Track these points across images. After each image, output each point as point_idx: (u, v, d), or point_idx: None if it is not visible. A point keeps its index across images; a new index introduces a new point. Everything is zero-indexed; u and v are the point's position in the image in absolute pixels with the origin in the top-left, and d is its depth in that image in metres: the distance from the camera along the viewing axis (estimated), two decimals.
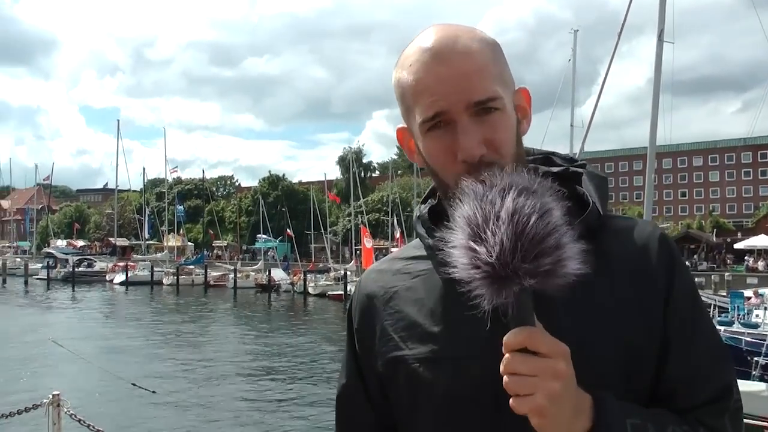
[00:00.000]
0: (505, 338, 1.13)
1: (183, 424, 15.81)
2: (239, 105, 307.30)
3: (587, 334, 1.26)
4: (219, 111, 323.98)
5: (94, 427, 5.38)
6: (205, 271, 67.65)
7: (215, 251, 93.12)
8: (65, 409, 5.09)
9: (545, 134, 44.97)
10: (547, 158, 1.50)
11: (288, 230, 78.10)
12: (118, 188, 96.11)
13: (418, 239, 1.51)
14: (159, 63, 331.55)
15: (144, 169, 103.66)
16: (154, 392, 13.64)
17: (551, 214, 1.12)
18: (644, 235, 1.37)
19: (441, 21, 1.42)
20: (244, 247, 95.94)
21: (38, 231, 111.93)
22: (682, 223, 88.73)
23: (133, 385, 10.60)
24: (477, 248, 1.10)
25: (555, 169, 1.43)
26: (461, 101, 1.30)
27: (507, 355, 1.13)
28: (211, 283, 65.37)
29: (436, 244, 1.31)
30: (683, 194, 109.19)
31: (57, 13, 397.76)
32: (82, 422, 5.31)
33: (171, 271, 69.16)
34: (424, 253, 1.47)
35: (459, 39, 1.34)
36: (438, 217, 1.43)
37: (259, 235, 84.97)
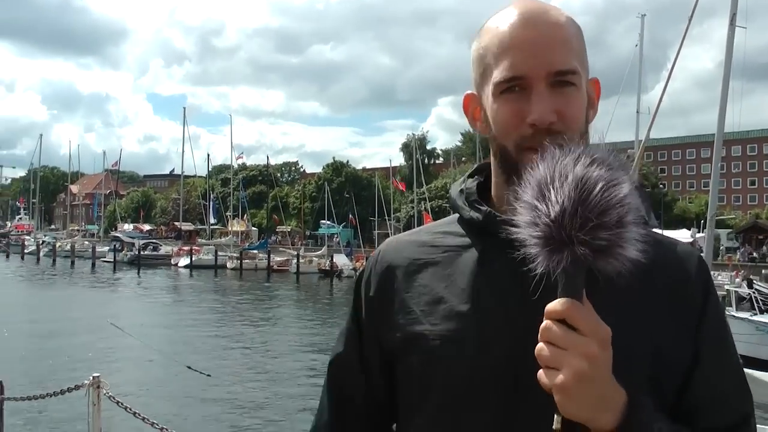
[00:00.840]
0: (549, 305, 1.13)
1: (234, 409, 15.44)
2: (304, 92, 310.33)
3: (624, 332, 1.19)
4: (284, 98, 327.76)
5: (131, 410, 5.31)
6: (269, 256, 67.99)
7: (279, 236, 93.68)
8: (104, 391, 5.08)
9: (610, 121, 43.98)
10: None
11: (351, 216, 78.36)
12: (184, 174, 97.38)
13: (452, 216, 1.48)
14: (225, 51, 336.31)
15: (209, 155, 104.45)
16: (209, 376, 13.42)
17: (619, 188, 1.11)
18: (685, 252, 1.38)
19: (505, 2, 1.40)
20: (308, 233, 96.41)
21: (106, 215, 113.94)
22: (750, 213, 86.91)
23: (188, 368, 10.32)
24: (539, 206, 1.12)
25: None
26: (542, 68, 1.29)
27: (546, 321, 1.13)
28: (275, 267, 65.68)
29: (483, 219, 1.36)
30: (752, 183, 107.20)
31: (126, 3, 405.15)
32: (120, 404, 5.25)
33: (235, 255, 69.82)
34: (458, 229, 1.44)
35: (549, 10, 1.35)
36: (483, 195, 1.43)
37: (323, 221, 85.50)
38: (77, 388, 5.22)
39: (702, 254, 1.48)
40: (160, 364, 17.68)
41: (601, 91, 1.45)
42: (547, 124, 1.27)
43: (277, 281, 57.71)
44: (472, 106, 1.45)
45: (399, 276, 1.42)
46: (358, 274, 1.55)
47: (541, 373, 1.12)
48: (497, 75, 1.32)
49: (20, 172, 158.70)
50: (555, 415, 1.12)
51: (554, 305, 1.11)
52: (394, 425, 1.49)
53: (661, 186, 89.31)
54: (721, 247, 64.39)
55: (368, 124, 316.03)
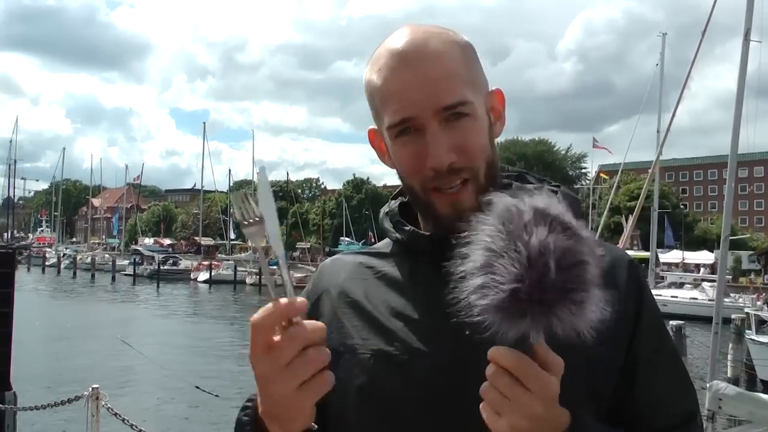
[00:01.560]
0: (495, 351, 1.08)
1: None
2: (327, 108, 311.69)
3: (557, 348, 1.11)
4: (306, 114, 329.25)
5: (128, 422, 5.35)
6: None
7: (298, 252, 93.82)
8: (103, 403, 5.13)
9: (631, 140, 43.80)
10: (521, 176, 1.47)
11: (370, 233, 78.39)
12: (205, 189, 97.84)
13: (386, 239, 1.49)
14: (248, 66, 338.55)
15: (230, 170, 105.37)
16: (216, 396, 13.32)
17: (587, 265, 1.04)
18: (615, 259, 1.35)
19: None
20: (327, 249, 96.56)
21: (127, 229, 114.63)
22: None
23: (197, 387, 10.27)
24: (488, 276, 1.04)
25: (530, 186, 1.35)
26: (430, 107, 1.27)
27: (494, 368, 1.08)
28: (294, 284, 65.59)
29: (407, 239, 1.38)
30: None
31: (151, 19, 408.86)
32: (117, 416, 5.32)
33: (254, 271, 69.83)
34: (387, 251, 1.46)
35: (428, 42, 1.31)
36: (407, 215, 1.45)
37: (342, 238, 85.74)
38: (77, 399, 5.27)
39: (630, 258, 1.39)
40: (167, 382, 17.62)
41: (505, 99, 1.42)
42: (447, 165, 1.27)
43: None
44: (377, 141, 1.45)
45: (334, 293, 1.44)
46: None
47: (484, 406, 1.09)
48: (388, 120, 1.32)
49: (43, 185, 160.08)
50: None
51: (502, 355, 1.06)
52: None
53: (682, 206, 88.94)
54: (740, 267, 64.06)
55: None
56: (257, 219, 1.20)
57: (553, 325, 1.03)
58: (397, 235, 1.42)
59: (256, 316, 1.10)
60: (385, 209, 1.51)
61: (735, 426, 12.14)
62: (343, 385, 1.29)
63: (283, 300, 1.10)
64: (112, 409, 5.17)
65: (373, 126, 1.44)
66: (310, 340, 1.09)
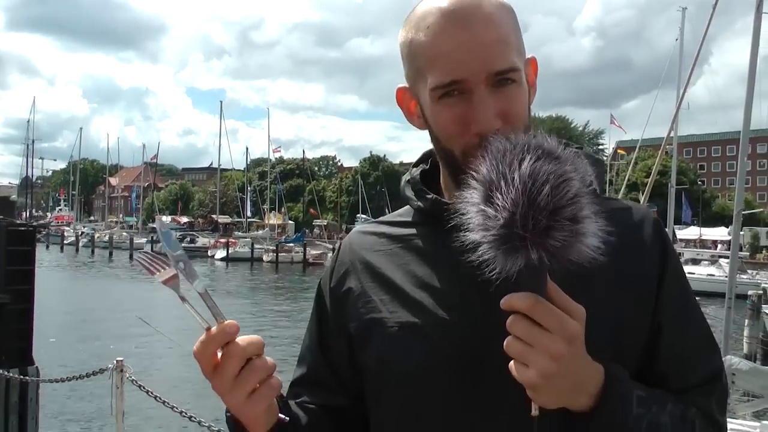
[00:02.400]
0: (509, 299, 1.10)
1: None
2: (344, 86, 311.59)
3: (585, 303, 1.14)
4: (323, 92, 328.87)
5: (152, 393, 5.45)
6: (304, 250, 68.08)
7: (315, 230, 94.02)
8: (127, 375, 5.24)
9: (649, 116, 43.59)
10: None
11: (387, 210, 78.49)
12: (221, 167, 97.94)
13: (407, 206, 1.49)
14: (265, 45, 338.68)
15: (247, 148, 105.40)
16: None
17: (569, 184, 1.07)
18: (639, 217, 1.38)
19: None
20: (344, 227, 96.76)
21: (144, 207, 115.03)
22: None
23: None
24: (488, 210, 1.07)
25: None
26: (482, 71, 1.25)
27: (512, 316, 1.10)
28: (310, 261, 65.67)
29: (429, 207, 1.38)
30: None
31: None
32: (142, 388, 5.41)
33: (271, 248, 70.07)
34: (409, 219, 1.46)
35: (481, 4, 1.28)
36: (429, 183, 1.45)
37: (359, 215, 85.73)
38: (101, 371, 5.42)
39: (655, 216, 1.42)
40: (185, 359, 17.76)
41: (538, 68, 1.42)
42: (493, 131, 1.24)
43: (313, 274, 57.85)
44: (406, 101, 1.44)
45: (359, 267, 1.44)
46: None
47: (512, 365, 1.12)
48: (433, 80, 1.29)
49: (61, 165, 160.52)
50: (532, 405, 1.14)
51: (515, 300, 1.09)
52: None
53: (700, 183, 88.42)
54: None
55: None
56: (172, 272, 1.30)
57: (554, 248, 1.05)
58: (420, 203, 1.42)
59: (195, 347, 1.22)
60: (406, 177, 1.50)
61: (749, 400, 12.19)
62: (376, 360, 1.36)
63: (214, 328, 1.21)
64: (136, 381, 5.31)
65: (403, 85, 1.44)
66: (249, 353, 1.20)
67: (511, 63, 1.28)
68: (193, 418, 5.16)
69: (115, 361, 5.10)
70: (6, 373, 7.63)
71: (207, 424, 5.13)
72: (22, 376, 8.60)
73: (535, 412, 1.14)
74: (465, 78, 1.26)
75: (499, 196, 1.05)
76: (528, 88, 1.35)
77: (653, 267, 1.33)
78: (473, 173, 1.11)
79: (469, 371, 1.26)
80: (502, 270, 1.07)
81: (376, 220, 1.58)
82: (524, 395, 1.13)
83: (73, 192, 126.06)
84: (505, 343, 1.11)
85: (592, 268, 1.12)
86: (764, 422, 11.57)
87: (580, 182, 1.08)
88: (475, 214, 1.09)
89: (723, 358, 8.15)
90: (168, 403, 5.30)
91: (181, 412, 5.16)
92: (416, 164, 1.54)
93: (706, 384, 1.33)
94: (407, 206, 1.50)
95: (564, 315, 1.09)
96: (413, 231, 1.43)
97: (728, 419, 7.96)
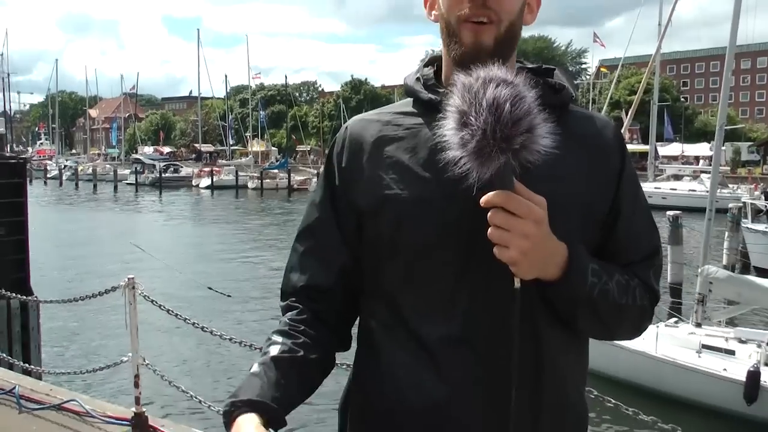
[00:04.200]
0: (487, 197, 1.40)
1: (253, 328, 15.63)
2: (323, 9, 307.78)
3: (558, 195, 1.49)
4: (302, 15, 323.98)
5: (164, 307, 5.71)
6: (289, 175, 68.15)
7: (299, 155, 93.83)
8: (139, 291, 5.43)
9: (632, 33, 43.51)
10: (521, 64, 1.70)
11: None
12: (202, 96, 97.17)
13: (405, 100, 1.72)
14: None
15: (226, 76, 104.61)
16: (229, 296, 13.69)
17: (524, 101, 1.36)
18: (602, 123, 1.69)
19: None
20: (327, 152, 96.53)
21: (126, 138, 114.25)
22: None
23: (209, 288, 10.59)
24: (464, 131, 1.37)
25: (530, 65, 1.68)
26: None
27: (491, 210, 1.40)
28: (295, 186, 65.80)
29: (441, 99, 1.53)
30: None
31: None
32: (154, 303, 5.67)
33: (255, 175, 70.06)
34: (413, 110, 1.67)
35: None
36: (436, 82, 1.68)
37: None
38: (114, 289, 5.63)
39: (614, 123, 1.78)
40: (181, 284, 18.07)
41: (541, 4, 1.70)
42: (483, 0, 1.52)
43: (298, 200, 57.93)
44: (430, 1, 1.70)
45: (367, 149, 1.65)
46: (328, 150, 1.75)
47: (495, 249, 1.41)
48: None
49: (38, 98, 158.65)
50: (514, 278, 1.44)
51: (492, 197, 1.39)
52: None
53: (683, 99, 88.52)
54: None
55: (387, 41, 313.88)
56: None
57: (517, 152, 1.36)
58: (431, 95, 1.62)
59: None
60: (415, 74, 1.71)
61: (725, 307, 12.65)
62: (391, 230, 1.58)
63: None
64: (148, 297, 5.55)
65: None
66: None
67: None
68: (204, 329, 5.44)
69: (126, 279, 5.33)
70: (8, 294, 7.84)
71: (218, 333, 5.42)
72: (25, 297, 8.82)
73: (517, 284, 1.44)
74: None
75: (472, 120, 1.35)
76: (527, 6, 1.64)
77: (615, 163, 1.63)
78: (446, 101, 1.42)
79: (471, 243, 1.50)
80: (480, 175, 1.37)
81: (374, 111, 1.77)
82: (508, 271, 1.44)
83: (54, 125, 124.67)
84: (488, 232, 1.41)
85: (561, 162, 1.49)
86: (738, 327, 12.07)
87: (531, 98, 1.37)
88: (452, 136, 1.38)
89: (701, 268, 8.51)
90: (180, 316, 5.57)
91: (193, 324, 5.44)
92: (425, 65, 1.74)
93: (647, 259, 1.67)
94: (404, 100, 1.73)
95: (531, 204, 1.40)
96: (419, 120, 1.63)
97: (705, 325, 8.38)
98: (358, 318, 1.74)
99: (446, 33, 1.61)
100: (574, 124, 1.61)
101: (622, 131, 19.72)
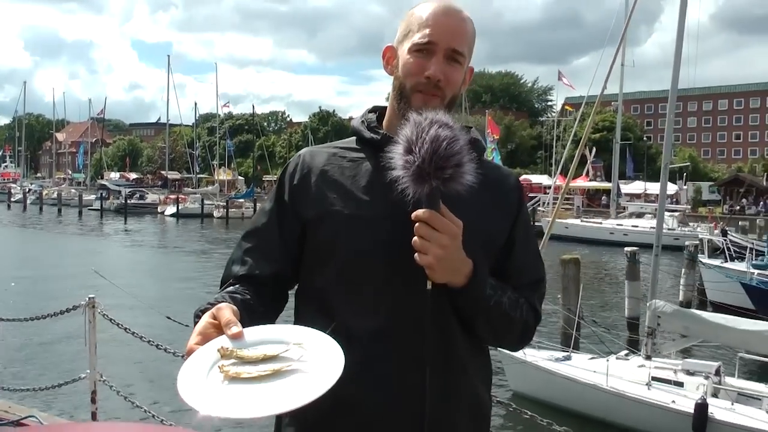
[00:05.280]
0: (416, 212, 1.74)
1: None
2: (293, 40, 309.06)
3: (467, 224, 1.79)
4: (272, 46, 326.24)
5: (121, 325, 5.92)
6: (254, 205, 67.81)
7: (265, 185, 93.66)
8: (99, 311, 5.64)
9: (595, 73, 44.17)
10: None
11: None
12: (170, 123, 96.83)
13: (350, 138, 2.08)
14: None
15: (195, 103, 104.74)
16: (186, 326, 13.75)
17: (458, 142, 1.72)
18: (506, 172, 2.12)
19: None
20: (281, 171, 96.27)
21: (92, 164, 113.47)
22: (734, 166, 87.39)
23: (168, 318, 10.65)
24: (408, 156, 1.72)
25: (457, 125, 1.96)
26: (446, 44, 1.93)
27: (418, 223, 1.73)
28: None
29: (380, 139, 1.95)
30: (737, 137, 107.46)
31: None
32: (112, 321, 5.90)
33: (221, 204, 69.72)
34: (357, 146, 2.02)
35: (462, 11, 1.99)
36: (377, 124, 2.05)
37: None
38: (74, 308, 5.79)
39: (515, 175, 2.21)
40: (139, 312, 18.07)
41: (472, 77, 2.12)
42: (436, 80, 1.91)
43: None
44: (389, 54, 2.07)
45: (316, 173, 1.98)
46: (282, 170, 2.09)
47: (416, 255, 1.75)
48: (417, 38, 1.94)
49: (4, 120, 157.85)
50: (427, 281, 1.79)
51: (421, 213, 1.74)
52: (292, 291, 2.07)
53: (646, 138, 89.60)
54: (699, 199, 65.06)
55: (356, 73, 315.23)
56: None
57: (447, 181, 1.71)
58: (372, 135, 1.99)
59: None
60: (360, 118, 2.08)
61: (674, 340, 12.92)
62: (329, 239, 1.90)
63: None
64: (107, 316, 5.76)
65: (391, 44, 2.06)
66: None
67: (463, 49, 1.96)
68: (159, 346, 5.59)
69: (87, 298, 5.46)
70: None
71: (172, 351, 5.56)
72: None
73: (429, 286, 1.79)
74: (437, 42, 1.92)
75: (416, 149, 1.71)
76: (463, 78, 2.01)
77: (514, 205, 2.04)
78: (399, 133, 1.76)
79: (395, 252, 1.83)
80: (414, 193, 1.72)
81: (324, 144, 2.12)
82: (424, 276, 1.78)
83: (19, 148, 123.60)
84: (412, 241, 1.75)
85: (475, 199, 1.83)
86: (687, 360, 12.35)
87: (464, 142, 1.74)
88: (399, 159, 1.73)
89: (649, 302, 8.78)
90: (137, 334, 5.72)
91: (149, 342, 5.59)
92: (371, 111, 2.12)
93: (534, 284, 2.04)
94: (350, 138, 2.08)
95: (448, 222, 1.75)
96: (361, 155, 1.99)
97: (653, 358, 8.64)
98: (294, 314, 2.03)
99: (399, 92, 1.99)
100: (485, 171, 1.88)
101: (574, 165, 20.12)
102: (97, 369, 5.49)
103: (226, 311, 1.65)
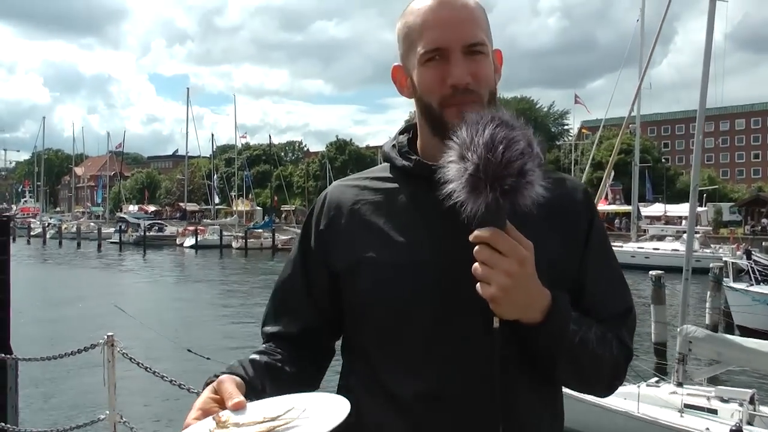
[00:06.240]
0: (476, 232, 1.43)
1: None
2: (309, 70, 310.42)
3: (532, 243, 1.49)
4: (288, 76, 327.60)
5: (142, 365, 5.72)
6: (273, 235, 68.12)
7: (283, 215, 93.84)
8: (118, 349, 5.52)
9: (612, 96, 44.20)
10: None
11: None
12: (188, 155, 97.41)
13: (382, 165, 1.80)
14: (228, 30, 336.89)
15: (213, 135, 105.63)
16: (208, 359, 13.60)
17: (518, 145, 1.41)
18: (573, 185, 1.76)
19: None
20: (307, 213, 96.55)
21: (111, 197, 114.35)
22: (754, 186, 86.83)
23: (189, 351, 10.50)
24: (461, 164, 1.42)
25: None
26: (458, 41, 1.61)
27: (478, 246, 1.44)
28: (279, 246, 65.65)
29: (413, 166, 1.68)
30: (756, 156, 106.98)
31: None
32: (132, 360, 5.70)
33: (240, 234, 69.92)
34: (389, 175, 1.74)
35: None
36: (411, 148, 1.77)
37: None
38: (93, 347, 5.65)
39: (584, 185, 1.85)
40: (160, 346, 17.99)
41: (503, 59, 1.77)
42: (464, 84, 1.60)
43: (282, 260, 57.51)
44: (399, 75, 1.77)
45: (345, 213, 1.72)
46: (308, 212, 1.82)
47: (478, 285, 1.44)
48: (422, 48, 1.63)
49: (24, 156, 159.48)
50: (493, 318, 1.47)
51: (479, 232, 1.43)
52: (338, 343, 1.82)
53: (664, 160, 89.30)
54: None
55: (373, 102, 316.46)
56: None
57: (507, 193, 1.40)
58: (404, 162, 1.71)
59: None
60: (391, 142, 1.80)
61: (705, 366, 12.64)
62: (365, 292, 1.63)
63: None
64: (126, 354, 5.59)
65: (398, 63, 1.76)
66: None
67: (479, 39, 1.63)
68: (182, 386, 5.43)
69: (105, 336, 5.34)
70: None
71: (196, 391, 5.38)
72: (4, 355, 8.72)
73: (496, 324, 1.48)
74: (446, 46, 1.61)
75: (468, 154, 1.40)
76: (494, 66, 1.69)
77: (583, 223, 1.70)
78: (453, 136, 1.46)
79: (443, 300, 1.56)
80: (472, 209, 1.41)
81: (353, 176, 1.84)
82: (486, 319, 1.48)
83: (38, 183, 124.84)
84: (473, 267, 1.44)
85: (538, 216, 1.51)
86: (720, 387, 12.07)
87: (526, 144, 1.42)
88: (453, 168, 1.43)
89: (680, 327, 8.53)
90: (158, 373, 5.56)
91: (171, 381, 5.42)
92: (401, 132, 1.84)
93: (620, 316, 1.69)
94: (381, 166, 1.80)
95: (516, 243, 1.44)
96: (395, 185, 1.71)
97: (686, 385, 8.37)
98: (340, 371, 1.78)
99: (426, 113, 1.68)
100: (549, 186, 1.63)
101: (601, 190, 20.07)
102: (116, 410, 5.34)
103: (229, 384, 1.46)
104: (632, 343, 1.72)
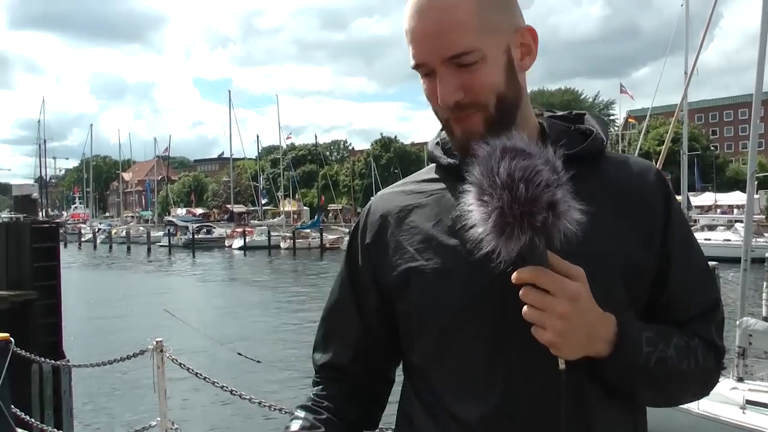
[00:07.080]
0: (516, 274, 1.30)
1: (282, 392, 15.19)
2: (351, 68, 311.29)
3: (596, 256, 1.39)
4: (331, 75, 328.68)
5: (192, 371, 5.69)
6: (321, 235, 68.39)
7: (330, 214, 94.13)
8: (167, 354, 5.49)
9: (658, 83, 43.54)
10: (552, 112, 1.66)
11: None
12: (233, 157, 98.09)
13: (429, 167, 1.66)
14: (269, 31, 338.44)
15: (258, 136, 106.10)
16: (259, 362, 13.61)
17: (539, 175, 1.24)
18: (641, 167, 1.55)
19: None
20: (359, 210, 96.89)
21: (159, 201, 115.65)
22: None
23: (239, 354, 10.51)
24: (483, 208, 1.27)
25: (559, 113, 1.64)
26: (437, 56, 1.41)
27: (523, 288, 1.30)
28: (327, 245, 65.95)
29: (461, 162, 1.47)
30: None
31: None
32: (182, 366, 5.66)
33: (288, 235, 70.31)
34: (436, 176, 1.60)
35: None
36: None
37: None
38: (142, 353, 5.66)
39: (659, 169, 1.69)
40: (211, 350, 18.07)
41: (537, 36, 1.52)
42: (452, 103, 1.43)
43: (331, 259, 57.90)
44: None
45: (391, 222, 1.58)
46: (353, 226, 1.69)
47: (533, 329, 1.31)
48: (410, 62, 1.48)
49: (73, 163, 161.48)
50: (558, 360, 1.32)
51: (521, 274, 1.29)
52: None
53: (712, 148, 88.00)
54: None
55: (416, 98, 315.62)
56: None
57: (541, 231, 1.25)
58: (450, 159, 1.56)
59: None
60: (435, 139, 1.65)
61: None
62: (417, 305, 1.49)
63: None
64: (176, 360, 5.56)
65: None
66: None
67: (463, 47, 1.40)
68: (234, 392, 5.37)
69: (154, 342, 5.33)
70: (40, 359, 7.86)
71: (248, 397, 5.33)
72: (55, 361, 8.83)
73: (562, 366, 1.32)
74: (425, 62, 1.44)
75: (487, 197, 1.26)
76: (510, 58, 1.47)
77: (658, 211, 1.50)
78: (466, 175, 1.31)
79: (497, 313, 1.40)
80: (506, 255, 1.27)
81: (398, 182, 1.70)
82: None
83: (88, 189, 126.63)
84: (522, 312, 1.30)
85: (607, 207, 1.42)
86: None
87: (550, 171, 1.26)
88: (475, 212, 1.28)
89: (739, 320, 8.29)
90: (209, 379, 5.51)
91: (222, 387, 5.36)
92: (442, 129, 1.65)
93: (707, 313, 1.51)
94: (428, 167, 1.67)
95: (564, 279, 1.29)
96: (441, 186, 1.56)
97: (747, 380, 8.11)
98: (401, 392, 1.65)
99: (442, 125, 1.56)
100: (608, 172, 1.50)
101: None
102: (167, 416, 5.30)
103: None
104: (722, 339, 1.54)
